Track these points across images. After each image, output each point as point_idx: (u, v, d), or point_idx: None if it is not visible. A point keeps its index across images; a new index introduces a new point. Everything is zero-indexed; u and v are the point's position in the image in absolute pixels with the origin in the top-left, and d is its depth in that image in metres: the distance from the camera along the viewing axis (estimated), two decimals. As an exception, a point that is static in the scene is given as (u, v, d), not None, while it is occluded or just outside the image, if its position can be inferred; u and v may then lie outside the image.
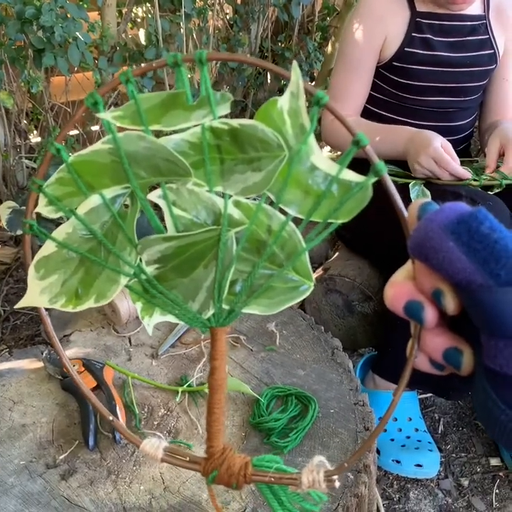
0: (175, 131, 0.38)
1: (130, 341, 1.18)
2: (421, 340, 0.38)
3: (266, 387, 1.05)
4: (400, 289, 0.36)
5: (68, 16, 1.61)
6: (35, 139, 2.22)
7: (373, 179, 0.37)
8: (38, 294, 0.42)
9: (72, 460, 0.91)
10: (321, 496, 0.43)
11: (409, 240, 0.35)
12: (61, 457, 0.91)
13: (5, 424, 0.97)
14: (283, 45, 2.49)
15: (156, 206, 0.40)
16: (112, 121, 0.38)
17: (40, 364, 1.09)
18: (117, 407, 0.96)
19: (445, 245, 0.32)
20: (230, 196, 0.39)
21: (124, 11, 2.08)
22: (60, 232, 0.41)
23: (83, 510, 0.83)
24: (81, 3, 1.74)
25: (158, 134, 0.38)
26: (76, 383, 0.47)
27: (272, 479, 0.44)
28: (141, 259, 0.41)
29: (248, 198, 0.40)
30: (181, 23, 1.97)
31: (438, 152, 1.38)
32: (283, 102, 0.36)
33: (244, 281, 0.42)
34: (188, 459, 0.46)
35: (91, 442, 0.93)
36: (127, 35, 2.13)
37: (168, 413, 1.00)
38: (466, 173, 1.40)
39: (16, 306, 0.43)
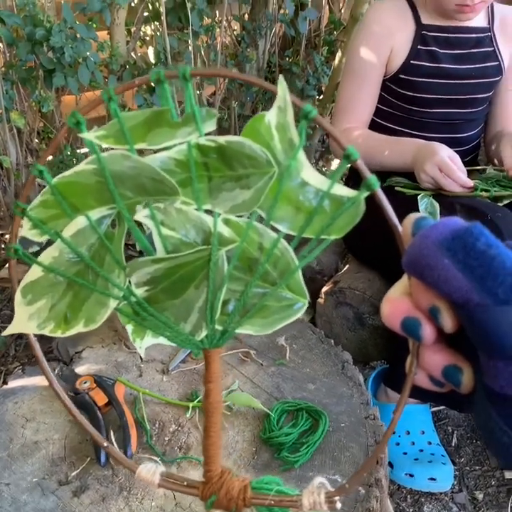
0: (167, 148, 0.37)
1: (141, 357, 1.18)
2: (420, 357, 0.37)
3: (276, 401, 1.05)
4: (397, 305, 0.35)
5: (78, 36, 1.63)
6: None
7: (365, 194, 0.36)
8: (26, 320, 0.41)
9: (84, 477, 0.91)
10: None
11: (404, 256, 0.34)
12: (73, 474, 0.92)
13: (18, 441, 0.98)
14: (290, 60, 2.50)
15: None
16: (95, 141, 0.37)
17: (52, 381, 1.10)
18: (128, 424, 0.97)
19: (440, 263, 0.31)
20: (219, 214, 0.38)
21: (133, 29, 2.10)
22: (46, 256, 0.40)
23: (93, 527, 0.83)
24: (90, 23, 1.76)
25: (156, 151, 0.38)
26: (67, 409, 0.46)
27: (272, 502, 0.42)
28: (130, 282, 0.40)
29: (240, 216, 0.39)
30: (189, 41, 1.98)
31: (444, 160, 1.38)
32: (270, 116, 0.36)
33: (237, 300, 0.41)
34: (185, 483, 0.44)
35: (103, 459, 0.93)
36: (136, 53, 2.15)
37: (179, 429, 1.00)
38: (469, 181, 1.40)
39: (3, 334, 0.42)
